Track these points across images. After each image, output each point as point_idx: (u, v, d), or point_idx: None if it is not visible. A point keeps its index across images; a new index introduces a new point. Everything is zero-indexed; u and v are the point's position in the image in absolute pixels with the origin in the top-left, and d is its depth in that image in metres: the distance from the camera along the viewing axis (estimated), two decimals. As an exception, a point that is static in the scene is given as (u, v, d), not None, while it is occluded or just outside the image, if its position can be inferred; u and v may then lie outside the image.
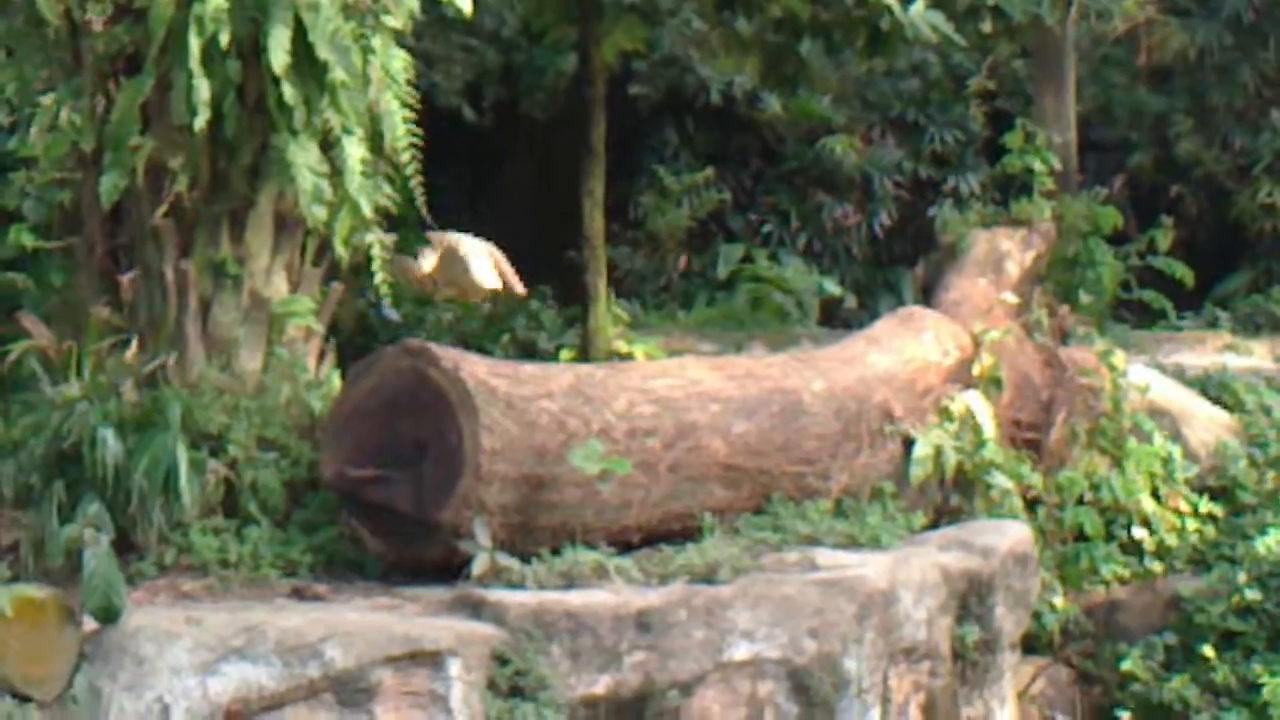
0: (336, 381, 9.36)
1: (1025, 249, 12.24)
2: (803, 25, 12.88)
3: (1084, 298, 13.40)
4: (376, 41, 9.26)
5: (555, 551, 8.45)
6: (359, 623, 7.62)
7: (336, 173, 9.14)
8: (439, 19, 14.41)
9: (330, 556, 8.58)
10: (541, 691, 7.75)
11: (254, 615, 7.52)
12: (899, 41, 12.68)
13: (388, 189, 9.59)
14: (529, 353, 12.93)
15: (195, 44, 8.72)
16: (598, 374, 9.26)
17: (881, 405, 10.13)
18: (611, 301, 13.29)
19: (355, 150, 9.13)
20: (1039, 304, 11.98)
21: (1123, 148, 22.33)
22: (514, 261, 17.12)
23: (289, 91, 8.94)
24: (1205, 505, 11.69)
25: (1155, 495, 11.58)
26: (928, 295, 12.05)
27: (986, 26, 13.76)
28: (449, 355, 8.54)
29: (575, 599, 8.05)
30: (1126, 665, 11.00)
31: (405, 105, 9.42)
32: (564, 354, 12.94)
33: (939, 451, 10.19)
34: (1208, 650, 10.95)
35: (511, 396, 8.49)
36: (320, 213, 9.05)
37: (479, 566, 8.23)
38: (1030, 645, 10.52)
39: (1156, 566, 11.42)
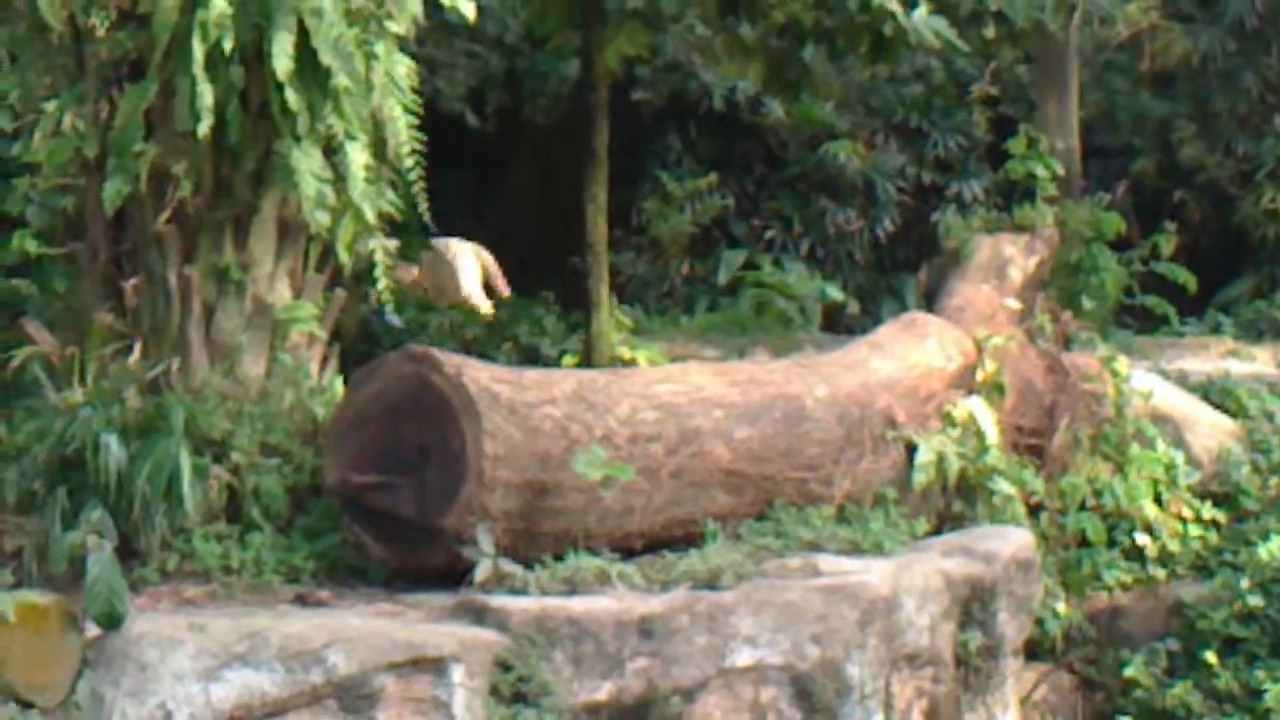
0: (339, 387, 9.35)
1: (1028, 255, 12.24)
2: (806, 31, 12.89)
3: (1087, 303, 13.39)
4: (380, 47, 9.25)
5: (558, 557, 8.44)
6: (362, 629, 7.61)
7: (340, 178, 9.13)
8: (442, 25, 14.45)
9: (333, 562, 8.57)
10: (544, 698, 7.74)
11: (257, 621, 7.51)
12: (902, 47, 12.69)
13: (391, 195, 9.57)
14: (532, 358, 12.93)
15: (199, 50, 8.71)
16: (600, 380, 9.25)
17: (884, 411, 10.12)
18: (614, 307, 13.30)
19: (358, 156, 9.12)
20: (1042, 310, 11.98)
21: (1126, 153, 22.31)
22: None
23: (292, 97, 8.93)
24: (1208, 511, 11.68)
25: (1158, 501, 11.57)
26: (930, 301, 12.06)
27: (990, 32, 13.78)
28: (452, 361, 8.53)
29: (578, 605, 8.04)
30: (1129, 671, 10.99)
31: (408, 111, 9.40)
32: (567, 360, 12.94)
33: (942, 457, 10.19)
34: (1210, 656, 10.94)
35: (514, 402, 8.49)
36: (323, 218, 9.05)
37: (482, 572, 8.22)
38: (1033, 651, 10.51)
39: (1159, 572, 11.41)
